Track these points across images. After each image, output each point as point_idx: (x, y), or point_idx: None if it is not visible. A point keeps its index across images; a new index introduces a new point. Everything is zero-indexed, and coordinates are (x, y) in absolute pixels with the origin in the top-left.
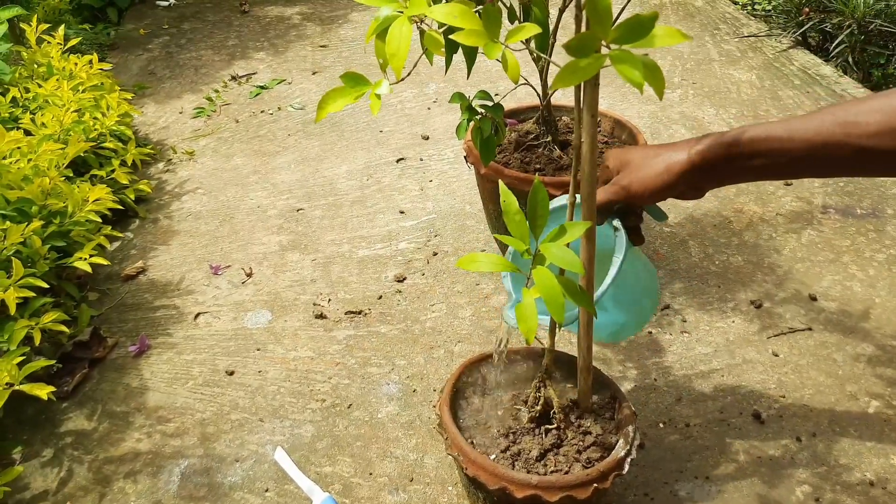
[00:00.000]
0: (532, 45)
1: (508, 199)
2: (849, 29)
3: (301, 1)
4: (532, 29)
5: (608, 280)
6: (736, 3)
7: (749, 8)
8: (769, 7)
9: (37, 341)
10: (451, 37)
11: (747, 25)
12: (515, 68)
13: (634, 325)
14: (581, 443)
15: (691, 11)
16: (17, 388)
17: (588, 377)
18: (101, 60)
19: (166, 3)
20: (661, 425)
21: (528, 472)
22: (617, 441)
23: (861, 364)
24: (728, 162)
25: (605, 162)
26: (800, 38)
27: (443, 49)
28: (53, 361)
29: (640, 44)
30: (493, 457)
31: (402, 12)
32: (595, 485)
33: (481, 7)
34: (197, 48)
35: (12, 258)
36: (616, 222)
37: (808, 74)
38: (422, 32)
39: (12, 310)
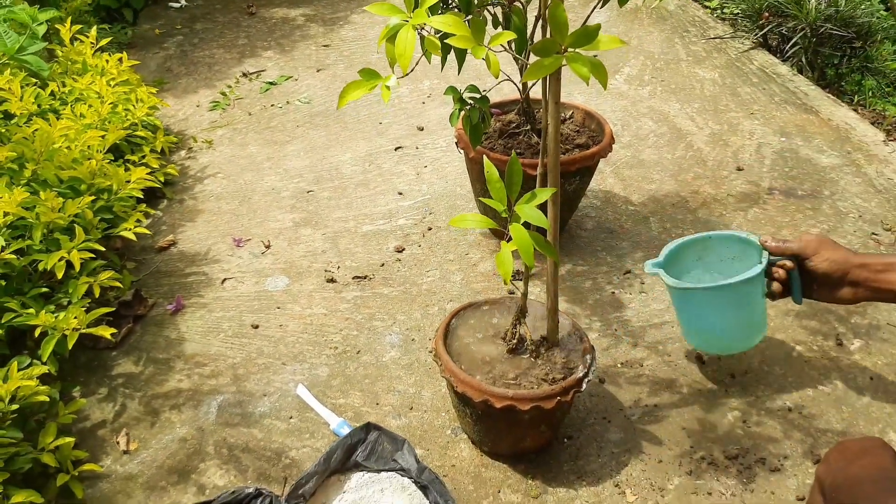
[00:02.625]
0: (513, 47)
1: (491, 170)
2: (802, 32)
3: (304, 3)
4: (508, 35)
5: (740, 277)
6: (706, 7)
7: (718, 12)
8: (736, 11)
9: (96, 294)
10: (446, 41)
11: (714, 28)
12: (496, 65)
13: (741, 347)
14: (549, 368)
15: (664, 15)
16: (83, 330)
17: (555, 317)
18: (121, 54)
19: (178, 5)
20: (619, 366)
21: (506, 388)
22: (578, 366)
23: (790, 318)
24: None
25: (808, 237)
26: (761, 40)
27: (439, 50)
28: (113, 308)
29: (588, 47)
30: (477, 377)
31: (407, 21)
32: (558, 398)
33: (470, 17)
34: (209, 47)
35: (75, 225)
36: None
37: (765, 73)
38: (422, 38)
39: (77, 268)
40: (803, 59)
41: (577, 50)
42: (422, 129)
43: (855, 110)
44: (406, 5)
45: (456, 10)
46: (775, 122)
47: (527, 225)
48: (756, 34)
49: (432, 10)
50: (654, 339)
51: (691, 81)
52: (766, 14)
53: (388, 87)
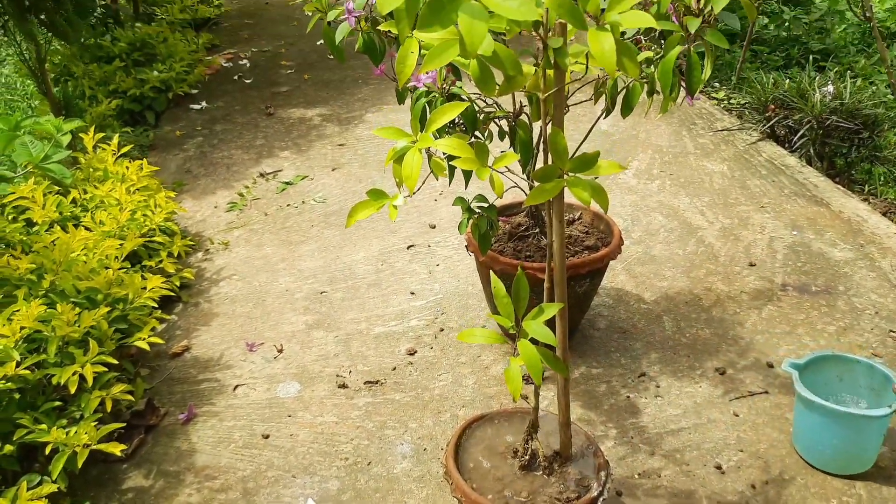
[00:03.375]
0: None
1: (497, 285)
2: (808, 124)
3: (321, 103)
4: (512, 157)
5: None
6: (713, 99)
7: (725, 103)
8: (743, 102)
9: (108, 408)
10: (451, 163)
11: (721, 120)
12: (500, 187)
13: (840, 470)
14: (562, 485)
15: (671, 108)
16: (94, 447)
17: (567, 431)
18: (141, 159)
19: (199, 106)
20: (637, 476)
21: None
22: (592, 484)
23: None
24: None
25: None
26: (768, 132)
27: (445, 171)
28: (123, 424)
29: (588, 172)
30: (489, 496)
31: (414, 143)
32: None
33: (475, 139)
34: (228, 148)
35: (90, 339)
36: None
37: (774, 165)
38: (430, 156)
39: (90, 383)
40: (811, 151)
41: (577, 175)
42: (434, 227)
43: (866, 200)
44: (412, 128)
45: (462, 127)
46: (786, 215)
47: (534, 340)
48: (763, 126)
49: (439, 131)
50: (671, 447)
51: (700, 175)
52: (773, 106)
53: (395, 207)
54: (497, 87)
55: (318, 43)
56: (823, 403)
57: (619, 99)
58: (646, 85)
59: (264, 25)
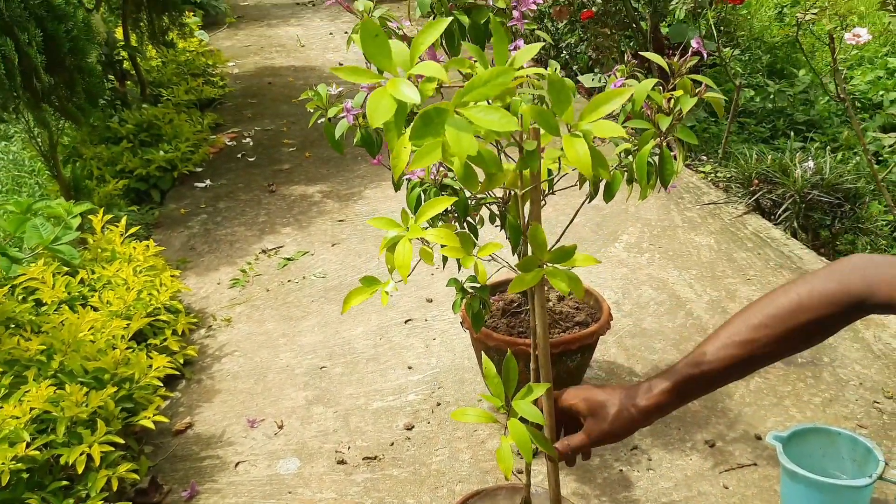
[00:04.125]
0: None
1: (488, 366)
2: (791, 198)
3: (321, 180)
4: (494, 246)
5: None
6: (700, 172)
7: (712, 176)
8: (728, 176)
9: (114, 487)
10: (440, 251)
11: (708, 193)
12: (484, 275)
13: None
14: None
15: (657, 185)
16: None
17: None
18: (147, 238)
19: (203, 185)
20: None
21: None
22: None
23: None
24: (673, 405)
25: (568, 398)
26: (754, 205)
27: (432, 260)
28: (130, 503)
29: (566, 263)
30: None
31: (404, 234)
32: None
33: (463, 229)
34: (231, 224)
35: (97, 419)
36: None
37: (759, 237)
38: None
39: (97, 462)
40: (795, 224)
41: (556, 266)
42: (430, 301)
43: None
44: (402, 219)
45: (454, 214)
46: (772, 287)
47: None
48: (749, 199)
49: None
50: None
51: (688, 248)
52: (756, 181)
53: (387, 293)
54: (479, 184)
55: (319, 121)
56: (806, 475)
57: (602, 186)
58: (626, 173)
59: (267, 105)
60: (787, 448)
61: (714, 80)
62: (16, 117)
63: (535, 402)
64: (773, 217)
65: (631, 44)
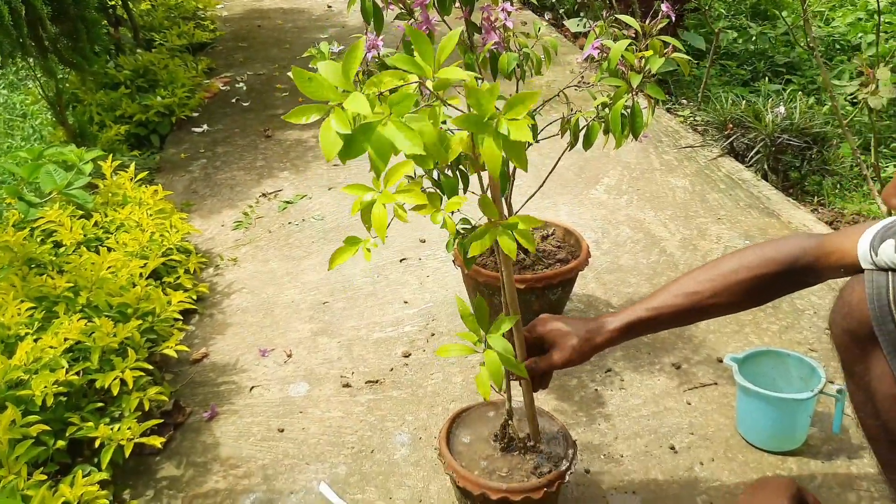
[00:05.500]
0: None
1: (463, 307)
2: (762, 142)
3: (316, 126)
4: (457, 203)
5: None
6: (678, 116)
7: (690, 120)
8: (707, 119)
9: (146, 407)
10: (409, 209)
11: (685, 137)
12: (452, 227)
13: (777, 448)
14: (537, 462)
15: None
16: (137, 440)
17: (533, 422)
18: (151, 182)
19: (200, 130)
20: (602, 457)
21: (501, 482)
22: (562, 461)
23: None
24: (624, 339)
25: (540, 326)
26: (728, 148)
27: (407, 218)
28: (161, 420)
29: (509, 226)
30: (475, 472)
31: (377, 198)
32: (545, 489)
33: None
34: (230, 169)
35: (127, 347)
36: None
37: (731, 179)
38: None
39: (130, 385)
40: (766, 166)
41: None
42: (423, 242)
43: (816, 210)
44: (374, 183)
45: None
46: (740, 226)
47: None
48: (723, 143)
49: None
50: (632, 432)
51: (664, 189)
52: (730, 125)
53: (368, 250)
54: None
55: (310, 66)
56: (758, 390)
57: (581, 135)
58: (602, 124)
59: (257, 48)
60: (743, 368)
61: (697, 23)
62: (22, 65)
63: (509, 331)
64: (745, 160)
65: None
